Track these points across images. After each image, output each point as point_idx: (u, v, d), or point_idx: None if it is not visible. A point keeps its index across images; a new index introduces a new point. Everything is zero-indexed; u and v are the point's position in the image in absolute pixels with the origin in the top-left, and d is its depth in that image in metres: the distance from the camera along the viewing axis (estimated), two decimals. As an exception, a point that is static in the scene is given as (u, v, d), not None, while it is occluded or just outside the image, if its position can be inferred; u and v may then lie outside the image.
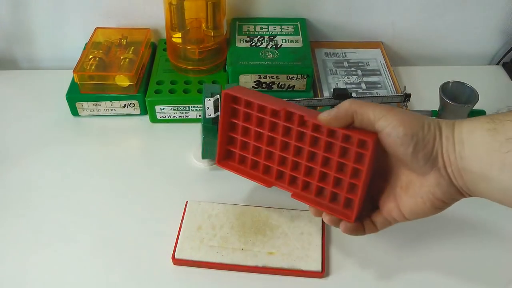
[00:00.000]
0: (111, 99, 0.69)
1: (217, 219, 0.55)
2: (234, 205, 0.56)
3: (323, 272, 0.51)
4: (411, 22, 0.80)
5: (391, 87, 0.72)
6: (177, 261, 0.51)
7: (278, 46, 0.71)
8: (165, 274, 0.51)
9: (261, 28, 0.75)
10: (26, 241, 0.54)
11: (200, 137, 0.61)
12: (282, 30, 0.75)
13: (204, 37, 0.70)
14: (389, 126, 0.39)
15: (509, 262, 0.53)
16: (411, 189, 0.42)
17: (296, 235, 0.53)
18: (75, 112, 0.70)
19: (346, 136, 0.43)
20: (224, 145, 0.50)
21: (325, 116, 0.41)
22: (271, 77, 0.68)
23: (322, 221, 0.54)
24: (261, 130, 0.47)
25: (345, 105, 0.41)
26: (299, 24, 0.77)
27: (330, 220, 0.45)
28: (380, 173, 0.44)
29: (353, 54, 0.79)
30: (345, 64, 0.77)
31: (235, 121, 0.49)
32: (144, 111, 0.70)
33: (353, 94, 0.61)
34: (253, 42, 0.72)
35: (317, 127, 0.44)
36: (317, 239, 0.53)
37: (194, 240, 0.53)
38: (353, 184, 0.44)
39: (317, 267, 0.51)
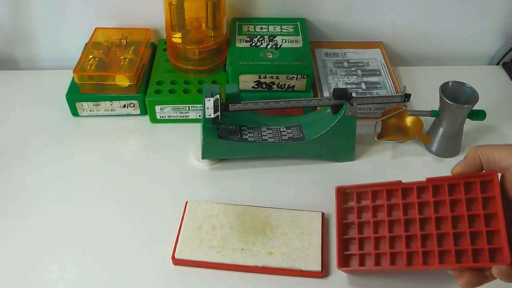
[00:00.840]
0: (111, 99, 0.69)
1: (217, 219, 0.55)
2: (234, 205, 0.56)
3: (323, 272, 0.51)
4: (411, 22, 0.80)
5: (391, 87, 0.72)
6: (177, 261, 0.51)
7: (278, 46, 0.71)
8: (165, 274, 0.51)
9: (261, 28, 0.75)
10: (26, 241, 0.54)
11: (200, 137, 0.61)
12: (282, 30, 0.75)
13: (204, 37, 0.70)
14: None
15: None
16: None
17: (296, 235, 0.53)
18: (75, 112, 0.70)
19: (467, 187, 0.44)
20: (342, 251, 0.50)
21: (457, 168, 0.45)
22: (271, 77, 0.68)
23: (322, 221, 0.54)
24: (379, 219, 0.49)
25: (471, 151, 0.44)
26: (299, 24, 0.77)
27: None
28: None
29: (353, 54, 0.79)
30: (345, 64, 0.77)
31: (348, 221, 0.51)
32: (144, 111, 0.70)
33: (353, 94, 0.60)
34: (253, 42, 0.72)
35: (436, 192, 0.46)
36: (317, 239, 0.53)
37: (194, 240, 0.53)
38: (491, 232, 0.43)
39: (317, 267, 0.51)
